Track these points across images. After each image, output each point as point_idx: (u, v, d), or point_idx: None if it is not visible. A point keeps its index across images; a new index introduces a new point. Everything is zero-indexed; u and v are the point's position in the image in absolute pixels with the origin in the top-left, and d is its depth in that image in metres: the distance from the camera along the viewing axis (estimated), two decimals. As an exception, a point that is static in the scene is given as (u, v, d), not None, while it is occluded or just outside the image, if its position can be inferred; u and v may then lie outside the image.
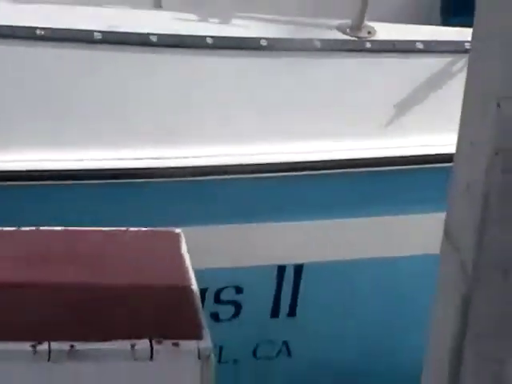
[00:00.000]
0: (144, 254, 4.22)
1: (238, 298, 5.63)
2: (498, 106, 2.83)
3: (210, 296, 5.48)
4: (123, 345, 3.65)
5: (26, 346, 3.60)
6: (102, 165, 5.39)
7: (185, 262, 4.16)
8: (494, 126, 2.85)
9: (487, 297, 3.05)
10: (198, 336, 3.66)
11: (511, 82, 2.81)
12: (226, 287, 5.57)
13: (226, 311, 5.58)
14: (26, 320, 3.74)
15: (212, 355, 3.67)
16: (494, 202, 2.92)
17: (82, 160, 5.36)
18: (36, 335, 3.63)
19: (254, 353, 5.74)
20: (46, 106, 5.36)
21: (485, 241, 3.00)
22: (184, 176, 5.38)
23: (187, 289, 4.03)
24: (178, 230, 4.36)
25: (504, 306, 3.03)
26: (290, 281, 5.66)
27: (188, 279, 4.07)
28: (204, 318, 3.84)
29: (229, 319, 5.62)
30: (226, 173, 5.39)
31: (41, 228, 4.30)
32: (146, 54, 5.34)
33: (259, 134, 5.47)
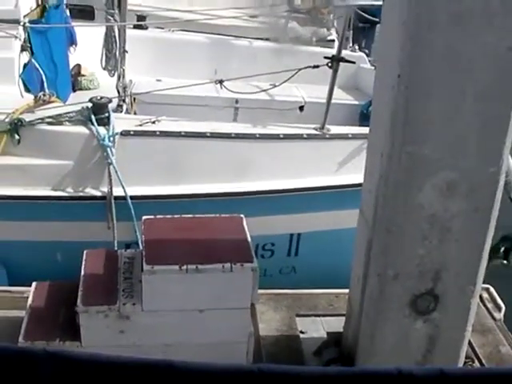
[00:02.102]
0: (226, 225, 4.65)
1: (273, 247, 6.57)
2: (381, 155, 3.74)
3: (260, 247, 6.34)
4: (219, 266, 4.18)
5: (176, 267, 4.14)
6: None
7: (245, 230, 4.56)
8: (380, 163, 3.76)
9: (378, 241, 3.91)
10: (251, 261, 4.24)
11: (387, 144, 3.63)
12: (267, 243, 6.48)
13: (267, 254, 6.54)
14: (176, 254, 4.28)
15: (258, 270, 4.20)
16: (381, 200, 3.80)
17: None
18: (181, 261, 4.17)
19: (280, 271, 6.69)
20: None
21: (376, 214, 3.87)
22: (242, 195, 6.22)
23: (247, 242, 4.45)
24: (241, 215, 4.68)
25: (384, 245, 3.88)
26: (295, 240, 6.62)
27: (246, 237, 4.49)
28: (254, 255, 4.31)
29: (269, 257, 6.57)
30: (262, 193, 6.23)
31: (183, 215, 4.69)
32: (226, 142, 6.20)
33: (275, 176, 6.29)
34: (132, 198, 5.98)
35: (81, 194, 6.10)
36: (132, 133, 6.10)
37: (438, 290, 3.89)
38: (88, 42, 7.85)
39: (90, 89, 8.15)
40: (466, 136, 3.53)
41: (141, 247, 4.60)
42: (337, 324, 4.87)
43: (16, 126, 5.94)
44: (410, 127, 3.52)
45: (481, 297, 5.25)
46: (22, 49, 6.78)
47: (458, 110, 3.47)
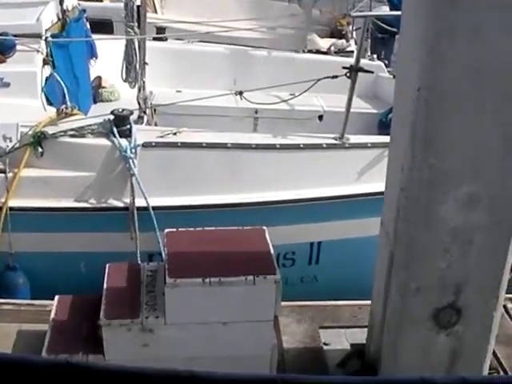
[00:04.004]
0: (249, 237, 4.60)
1: (294, 256, 6.47)
2: (402, 168, 3.67)
3: (281, 256, 6.23)
4: (242, 278, 4.15)
5: (199, 280, 4.11)
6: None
7: (268, 242, 4.51)
8: (400, 176, 3.71)
9: (399, 254, 3.83)
10: (274, 273, 4.19)
11: (408, 157, 3.56)
12: (288, 252, 6.38)
13: (288, 263, 6.45)
14: (199, 267, 4.23)
15: (280, 281, 4.17)
16: (402, 213, 3.75)
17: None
18: (204, 274, 4.14)
19: (301, 280, 6.60)
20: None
21: (397, 227, 3.83)
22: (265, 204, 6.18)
23: (269, 254, 4.41)
24: (264, 227, 4.64)
25: (405, 258, 3.78)
26: (315, 248, 6.54)
27: (269, 249, 4.44)
28: (277, 266, 4.28)
29: (290, 266, 6.48)
30: (284, 202, 6.18)
31: (206, 228, 4.64)
32: (247, 152, 6.20)
33: (295, 186, 6.23)
34: (154, 208, 5.94)
35: (103, 205, 6.08)
36: (153, 144, 6.09)
37: (460, 303, 3.81)
38: (108, 54, 7.95)
39: (110, 100, 8.23)
40: (488, 148, 3.47)
41: (163, 258, 4.58)
42: (360, 336, 4.80)
43: (39, 139, 5.98)
44: (430, 140, 3.47)
45: (505, 307, 5.17)
46: (44, 62, 6.82)
47: (479, 122, 3.41)
